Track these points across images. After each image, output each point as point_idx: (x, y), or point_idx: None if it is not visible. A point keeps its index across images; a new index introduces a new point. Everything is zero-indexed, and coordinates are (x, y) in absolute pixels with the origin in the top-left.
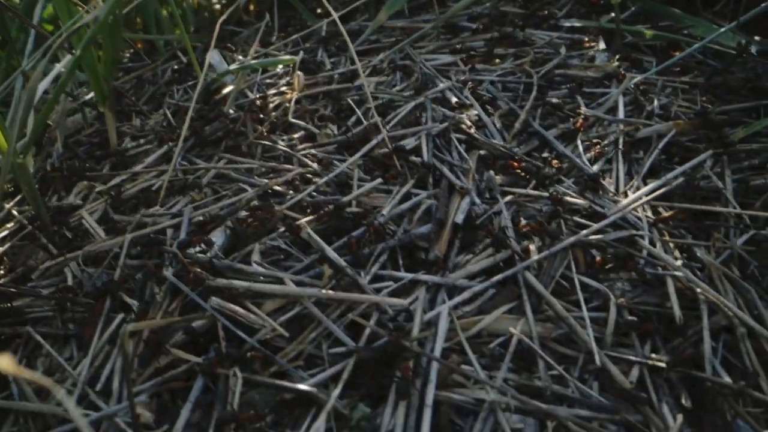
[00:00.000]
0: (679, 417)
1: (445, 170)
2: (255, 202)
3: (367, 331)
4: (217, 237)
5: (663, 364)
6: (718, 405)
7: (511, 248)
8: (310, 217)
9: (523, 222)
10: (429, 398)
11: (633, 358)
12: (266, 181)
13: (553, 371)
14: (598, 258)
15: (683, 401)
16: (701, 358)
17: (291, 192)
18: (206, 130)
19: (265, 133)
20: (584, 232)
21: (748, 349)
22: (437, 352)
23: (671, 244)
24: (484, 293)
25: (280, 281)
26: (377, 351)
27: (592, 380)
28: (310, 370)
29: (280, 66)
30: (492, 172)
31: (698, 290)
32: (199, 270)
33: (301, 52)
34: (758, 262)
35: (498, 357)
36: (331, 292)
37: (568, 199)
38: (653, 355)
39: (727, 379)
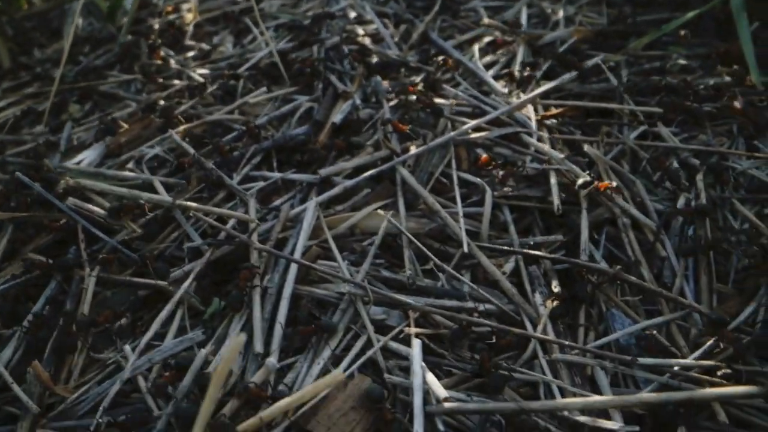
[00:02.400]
0: (550, 304)
1: (332, 77)
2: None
3: (222, 233)
4: (95, 149)
5: (539, 253)
6: (593, 294)
7: (388, 147)
8: (186, 125)
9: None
10: (287, 291)
11: (507, 248)
12: (150, 96)
13: (426, 266)
14: (483, 156)
15: (555, 288)
16: (578, 247)
17: (175, 104)
18: (96, 53)
19: (160, 54)
20: (465, 126)
21: (631, 239)
22: (300, 248)
23: (559, 141)
24: (359, 192)
25: (151, 185)
26: (228, 251)
27: (465, 273)
28: (170, 270)
29: None
30: (379, 78)
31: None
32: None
33: None
34: (650, 156)
35: (367, 253)
36: (185, 202)
37: (458, 102)
38: (530, 245)
39: (603, 265)
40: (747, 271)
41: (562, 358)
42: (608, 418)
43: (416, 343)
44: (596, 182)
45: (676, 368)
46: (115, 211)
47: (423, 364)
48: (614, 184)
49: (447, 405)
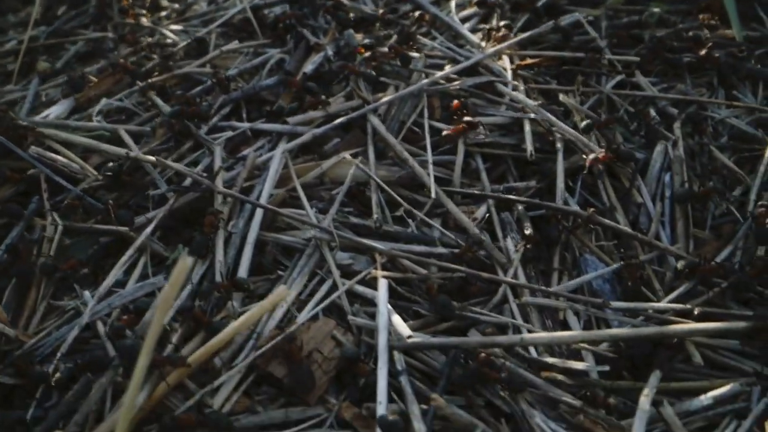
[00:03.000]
0: (521, 249)
1: (305, 31)
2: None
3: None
4: (63, 103)
5: (511, 196)
6: (567, 239)
7: (359, 95)
8: (156, 78)
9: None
10: (251, 237)
11: (478, 191)
12: (121, 52)
13: (396, 213)
14: (455, 102)
15: (527, 231)
16: (553, 195)
17: (145, 59)
18: (70, 14)
19: (133, 13)
20: (437, 75)
21: (607, 186)
22: (266, 194)
23: (535, 90)
24: (329, 141)
25: (118, 135)
26: (193, 199)
27: (436, 221)
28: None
29: None
30: (352, 31)
31: (554, 129)
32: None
33: None
34: (631, 106)
35: (335, 201)
36: (142, 155)
37: (433, 54)
38: (502, 190)
39: (575, 207)
40: (724, 216)
41: (533, 301)
42: (580, 359)
43: (382, 283)
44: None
45: (649, 311)
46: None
47: (389, 305)
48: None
49: (411, 341)
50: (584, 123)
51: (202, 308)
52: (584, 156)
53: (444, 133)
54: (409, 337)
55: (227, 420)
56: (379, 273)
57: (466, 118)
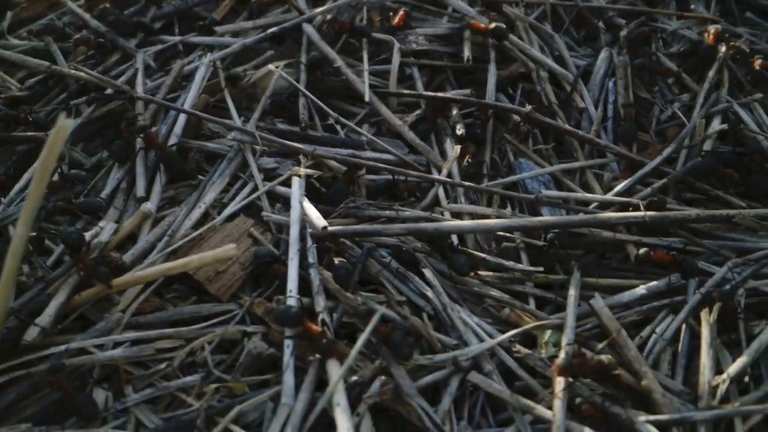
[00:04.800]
0: (456, 148)
1: None
2: None
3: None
4: None
5: (444, 95)
6: (500, 141)
7: (294, 6)
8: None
9: None
10: (172, 142)
11: (411, 91)
12: None
13: (328, 121)
14: (401, 12)
15: (459, 131)
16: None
17: None
18: None
19: None
20: None
21: (548, 91)
22: (190, 101)
23: (479, 2)
24: (262, 53)
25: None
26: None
27: (369, 129)
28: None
29: None
30: None
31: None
32: None
33: None
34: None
35: (265, 111)
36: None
37: None
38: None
39: (511, 105)
40: (671, 121)
41: (464, 208)
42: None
43: (296, 181)
44: None
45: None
46: None
47: (306, 201)
48: None
49: (330, 229)
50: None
51: None
52: (524, 66)
53: None
54: (325, 227)
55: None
56: (301, 171)
57: None
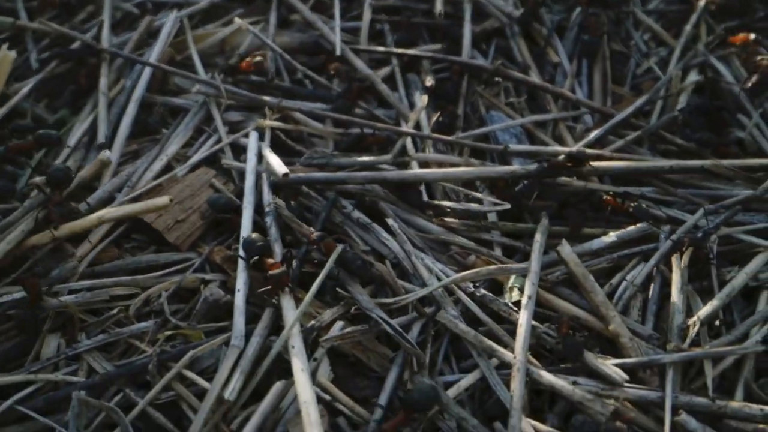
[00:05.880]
0: (424, 98)
1: None
2: None
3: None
4: None
5: (413, 51)
6: (469, 94)
7: None
8: None
9: None
10: (135, 95)
11: (382, 49)
12: None
13: (296, 76)
14: None
15: (428, 83)
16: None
17: None
18: None
19: None
20: None
21: (521, 47)
22: (156, 55)
23: None
24: (232, 11)
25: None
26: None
27: (336, 83)
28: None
29: None
30: None
31: None
32: None
33: None
34: None
35: (232, 63)
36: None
37: None
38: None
39: (482, 62)
40: (647, 75)
41: (433, 157)
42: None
43: (253, 134)
44: None
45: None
46: None
47: (268, 150)
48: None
49: (291, 176)
50: None
51: None
52: (498, 21)
53: None
54: (286, 174)
55: None
56: (266, 123)
57: None
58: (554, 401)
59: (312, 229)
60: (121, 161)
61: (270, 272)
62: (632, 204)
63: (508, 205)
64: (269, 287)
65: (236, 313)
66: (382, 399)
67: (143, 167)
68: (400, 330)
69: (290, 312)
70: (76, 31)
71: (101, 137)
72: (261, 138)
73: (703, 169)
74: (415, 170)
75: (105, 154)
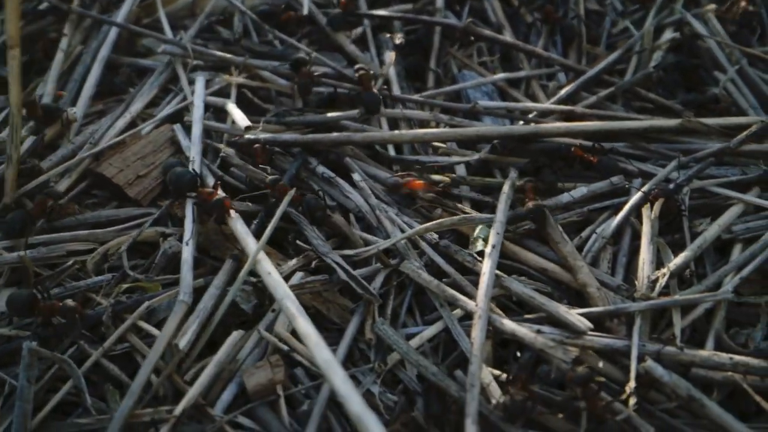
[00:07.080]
0: (392, 55)
1: None
2: None
3: None
4: None
5: (384, 12)
6: (442, 54)
7: None
8: None
9: None
10: (101, 55)
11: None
12: None
13: (265, 37)
14: None
15: (398, 40)
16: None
17: None
18: None
19: None
20: None
21: (495, 6)
22: (122, 15)
23: None
24: None
25: None
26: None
27: (311, 46)
28: None
29: None
30: None
31: None
32: None
33: None
34: None
35: (202, 28)
36: None
37: None
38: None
39: (454, 21)
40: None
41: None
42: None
43: (200, 79)
44: None
45: (530, 115)
46: None
47: (233, 105)
48: None
49: (261, 136)
50: None
51: None
52: None
53: None
54: (248, 128)
55: None
56: (233, 79)
57: None
58: (521, 353)
59: (266, 174)
60: (85, 121)
61: (210, 200)
62: (597, 157)
63: (476, 156)
64: (214, 216)
65: (183, 268)
66: (341, 348)
67: (107, 124)
68: (354, 274)
69: (248, 238)
70: None
71: (48, 95)
72: (228, 96)
73: (679, 129)
74: (385, 132)
75: (71, 111)
